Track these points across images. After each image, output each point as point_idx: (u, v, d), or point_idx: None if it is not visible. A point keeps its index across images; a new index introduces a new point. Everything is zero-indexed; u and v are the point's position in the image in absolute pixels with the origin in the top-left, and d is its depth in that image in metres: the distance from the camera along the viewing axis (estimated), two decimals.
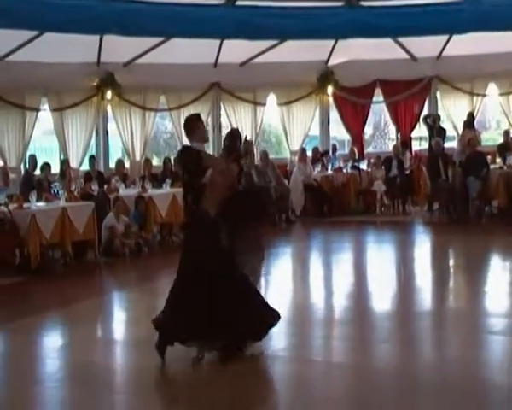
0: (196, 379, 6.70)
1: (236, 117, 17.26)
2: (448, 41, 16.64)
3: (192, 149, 7.27)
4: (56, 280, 11.37)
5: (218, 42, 15.38)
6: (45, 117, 14.92)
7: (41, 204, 12.23)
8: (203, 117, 16.04)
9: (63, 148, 14.93)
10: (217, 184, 7.20)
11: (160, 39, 14.61)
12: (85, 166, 14.87)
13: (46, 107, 14.72)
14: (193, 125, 7.39)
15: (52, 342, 8.53)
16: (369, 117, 18.72)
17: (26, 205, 11.89)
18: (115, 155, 16.28)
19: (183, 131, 15.86)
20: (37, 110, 14.40)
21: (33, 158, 13.66)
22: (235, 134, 8.06)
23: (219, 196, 7.14)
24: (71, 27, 12.78)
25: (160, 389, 6.84)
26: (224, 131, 17.40)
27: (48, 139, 15.46)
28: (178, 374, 6.98)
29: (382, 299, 9.72)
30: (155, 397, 6.60)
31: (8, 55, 13.43)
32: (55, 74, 14.01)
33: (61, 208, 12.01)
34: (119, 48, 14.43)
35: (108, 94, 15.18)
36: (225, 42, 15.27)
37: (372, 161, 17.51)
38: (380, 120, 20.71)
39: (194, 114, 7.95)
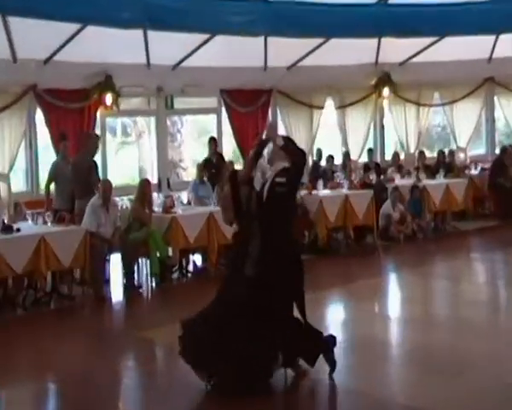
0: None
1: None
2: None
3: None
4: (340, 259, 11.76)
5: (491, 37, 14.70)
6: (328, 114, 15.16)
7: (326, 191, 12.64)
8: (476, 111, 15.79)
9: (344, 141, 15.19)
10: None
11: (434, 39, 14.30)
12: (364, 158, 15.01)
13: (329, 104, 15.01)
14: None
15: (338, 315, 8.82)
16: None
17: (314, 192, 12.38)
18: (390, 147, 16.20)
19: (455, 124, 15.79)
20: (322, 108, 14.73)
21: (320, 151, 14.07)
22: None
23: None
24: (352, 32, 13.06)
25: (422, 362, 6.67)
26: (497, 125, 16.71)
27: (331, 134, 15.75)
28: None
29: None
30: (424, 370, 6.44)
31: (298, 61, 13.86)
32: (338, 76, 14.25)
33: (344, 195, 12.39)
34: (396, 49, 14.36)
35: (385, 91, 15.15)
36: None
37: None
38: None
39: None
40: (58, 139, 11.38)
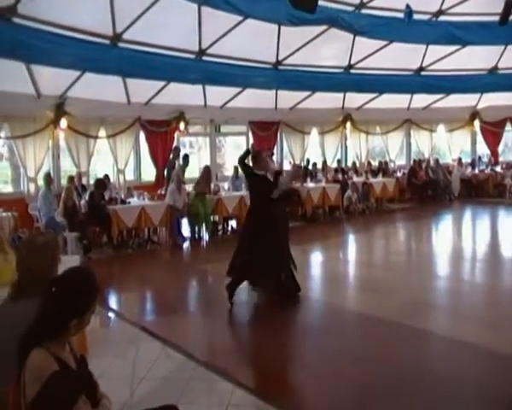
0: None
1: None
2: None
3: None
4: (320, 225, 11.48)
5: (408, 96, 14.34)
6: (314, 137, 14.55)
7: (312, 184, 12.24)
8: (401, 138, 15.32)
9: (323, 154, 14.72)
10: None
11: (375, 94, 13.91)
12: (335, 164, 14.53)
13: (315, 131, 14.42)
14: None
15: (317, 258, 8.74)
16: (502, 139, 16.56)
17: (305, 184, 12.00)
18: (350, 158, 15.70)
19: (389, 145, 15.31)
20: (309, 134, 14.19)
21: (308, 159, 13.61)
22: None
23: None
24: (329, 88, 12.85)
25: (366, 287, 6.45)
26: (412, 147, 16.29)
27: (316, 149, 15.10)
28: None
29: None
30: (367, 291, 6.27)
31: (296, 105, 13.45)
32: (320, 114, 13.85)
33: (322, 187, 12.07)
34: (354, 99, 14.03)
35: (348, 125, 14.62)
36: None
37: (504, 166, 15.68)
38: (508, 140, 17.95)
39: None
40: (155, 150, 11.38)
